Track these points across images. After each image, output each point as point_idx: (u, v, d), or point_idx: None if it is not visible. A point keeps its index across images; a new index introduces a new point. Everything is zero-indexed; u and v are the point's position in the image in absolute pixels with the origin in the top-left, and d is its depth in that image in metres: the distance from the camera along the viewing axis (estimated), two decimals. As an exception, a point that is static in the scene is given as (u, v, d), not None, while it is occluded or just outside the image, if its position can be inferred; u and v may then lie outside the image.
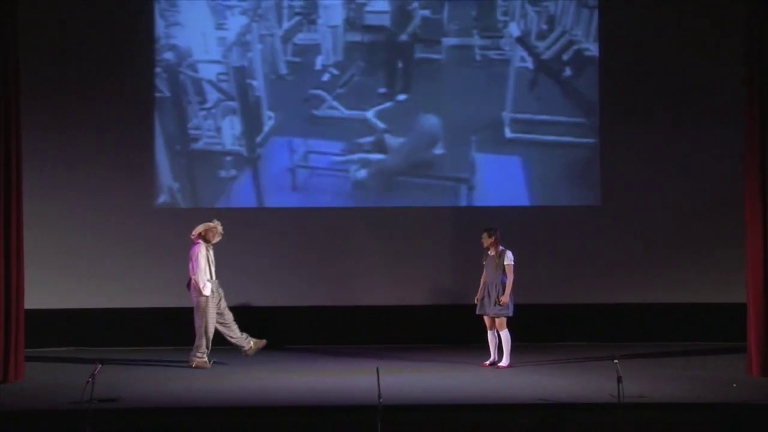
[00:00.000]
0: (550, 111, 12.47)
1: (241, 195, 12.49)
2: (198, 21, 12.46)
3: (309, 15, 12.50)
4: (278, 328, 12.43)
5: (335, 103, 12.47)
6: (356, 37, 12.50)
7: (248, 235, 12.36)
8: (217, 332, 10.89)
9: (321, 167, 12.46)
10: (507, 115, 12.48)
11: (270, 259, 12.40)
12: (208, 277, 10.74)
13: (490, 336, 10.71)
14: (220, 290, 10.90)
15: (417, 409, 8.68)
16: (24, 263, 10.23)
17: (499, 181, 12.47)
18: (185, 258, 12.13)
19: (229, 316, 10.98)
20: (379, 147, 12.48)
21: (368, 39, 12.52)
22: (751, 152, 9.98)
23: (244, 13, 12.47)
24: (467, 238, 12.07)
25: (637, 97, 12.44)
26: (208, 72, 12.49)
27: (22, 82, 10.30)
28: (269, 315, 12.41)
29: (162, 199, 12.48)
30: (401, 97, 12.49)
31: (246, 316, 12.39)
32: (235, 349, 11.06)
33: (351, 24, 12.50)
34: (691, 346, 12.00)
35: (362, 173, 12.47)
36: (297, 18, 12.49)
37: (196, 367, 10.67)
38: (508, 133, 12.49)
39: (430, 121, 12.47)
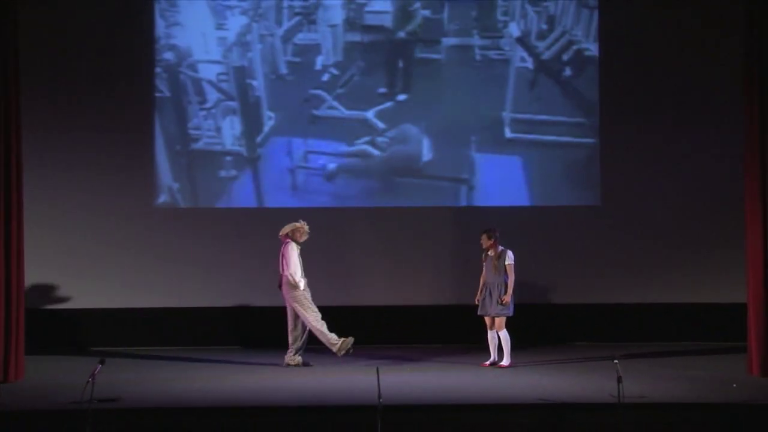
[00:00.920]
0: (550, 111, 12.47)
1: (241, 195, 12.49)
2: (198, 21, 12.47)
3: (309, 15, 12.50)
4: (278, 329, 12.43)
5: (335, 103, 12.47)
6: (356, 37, 12.51)
7: (248, 235, 12.37)
8: (285, 331, 10.87)
9: (321, 167, 12.46)
10: (507, 115, 12.48)
11: (270, 259, 12.38)
12: (300, 276, 10.77)
13: (490, 336, 10.71)
14: (309, 291, 10.88)
15: (417, 409, 8.68)
16: (24, 263, 10.23)
17: (499, 181, 12.47)
18: (185, 258, 12.21)
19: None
20: (379, 147, 12.48)
21: (368, 39, 12.52)
22: (751, 152, 9.97)
23: (244, 13, 12.48)
24: (467, 238, 12.07)
25: (637, 97, 12.44)
26: (209, 72, 12.50)
27: (22, 82, 10.30)
28: (269, 316, 12.40)
29: (162, 199, 12.48)
30: (401, 97, 12.49)
31: (246, 317, 12.42)
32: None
33: (351, 24, 12.51)
34: (691, 346, 12.00)
35: (362, 174, 12.47)
36: (297, 18, 12.50)
37: (344, 350, 10.65)
38: (508, 133, 12.49)
39: (430, 122, 12.48)
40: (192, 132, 12.49)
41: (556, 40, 12.51)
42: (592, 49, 12.49)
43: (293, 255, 10.74)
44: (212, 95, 12.50)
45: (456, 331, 12.19)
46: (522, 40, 12.50)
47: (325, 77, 12.49)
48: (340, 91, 12.48)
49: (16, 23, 10.12)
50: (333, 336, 10.72)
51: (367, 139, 12.46)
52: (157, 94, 12.45)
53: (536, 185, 12.48)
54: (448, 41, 12.49)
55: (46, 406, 8.76)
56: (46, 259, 11.96)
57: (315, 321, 10.72)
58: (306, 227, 10.91)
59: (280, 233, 10.87)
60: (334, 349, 10.70)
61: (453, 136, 12.44)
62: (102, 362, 8.32)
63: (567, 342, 12.27)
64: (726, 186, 12.00)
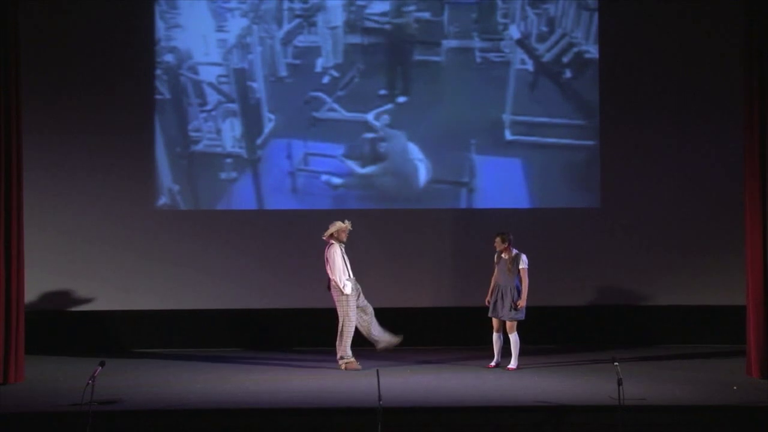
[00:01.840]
0: (550, 113, 12.47)
1: (241, 197, 12.49)
2: (198, 23, 12.47)
3: (309, 17, 12.50)
4: (279, 331, 12.44)
5: (335, 106, 12.47)
6: (356, 39, 12.51)
7: (248, 237, 12.37)
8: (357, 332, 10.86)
9: (321, 169, 12.46)
10: (507, 117, 12.48)
11: (270, 261, 12.40)
12: (347, 276, 10.75)
13: (496, 338, 10.71)
14: (358, 286, 10.87)
15: (417, 411, 8.68)
16: (24, 265, 10.24)
17: (500, 183, 12.47)
18: (185, 260, 12.19)
19: (369, 310, 10.93)
20: (379, 149, 12.48)
21: (368, 41, 12.52)
22: (751, 153, 9.97)
23: (244, 15, 12.48)
24: (468, 240, 12.10)
25: (637, 99, 12.44)
26: (209, 74, 12.49)
27: (23, 84, 10.31)
28: (270, 318, 12.41)
29: (162, 201, 12.48)
30: (401, 99, 12.49)
31: (247, 319, 12.42)
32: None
33: (351, 26, 12.50)
34: (691, 348, 12.00)
35: (362, 175, 12.47)
36: (297, 20, 12.50)
37: (347, 369, 10.64)
38: (508, 136, 12.49)
39: (430, 124, 12.47)
40: (192, 134, 12.49)
41: (556, 42, 12.52)
42: (592, 51, 12.49)
43: (337, 258, 10.69)
44: (212, 97, 12.50)
45: (456, 333, 12.20)
46: (522, 43, 12.51)
47: (326, 79, 12.49)
48: (340, 93, 12.48)
49: (17, 25, 10.13)
50: (349, 353, 10.70)
51: (367, 141, 12.45)
52: (158, 96, 12.45)
53: (536, 187, 12.48)
54: (449, 43, 12.49)
55: (45, 408, 8.76)
56: (46, 261, 11.95)
57: (347, 327, 10.69)
58: (350, 226, 10.85)
59: (324, 235, 10.82)
60: (341, 363, 10.71)
61: (453, 138, 12.43)
62: (102, 364, 8.32)
63: (567, 344, 12.26)
64: (726, 188, 12.00)
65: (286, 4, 12.48)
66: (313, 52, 12.49)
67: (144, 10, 12.41)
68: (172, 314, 12.28)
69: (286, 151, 12.45)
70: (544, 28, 12.52)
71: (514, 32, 12.50)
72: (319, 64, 12.48)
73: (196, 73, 12.49)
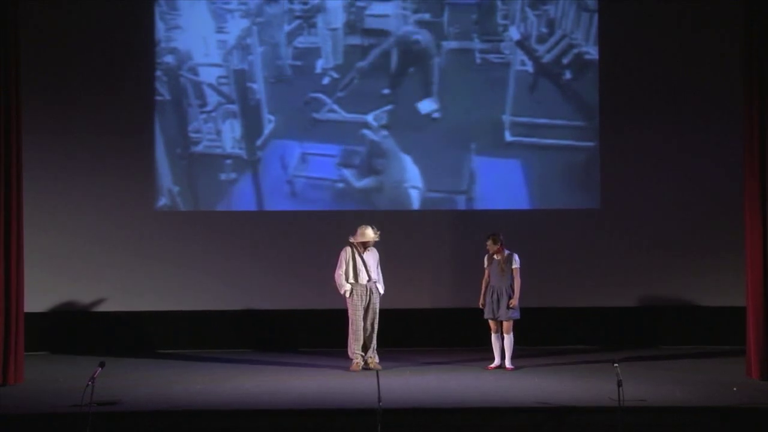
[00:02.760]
0: (550, 114, 12.47)
1: (241, 198, 12.49)
2: (198, 24, 12.47)
3: (309, 18, 12.51)
4: (279, 332, 12.44)
5: (335, 107, 12.47)
6: (356, 40, 12.51)
7: (248, 238, 12.37)
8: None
9: (321, 170, 12.46)
10: (507, 118, 12.48)
11: (271, 262, 12.40)
12: (351, 279, 10.70)
13: (495, 339, 10.71)
14: (372, 294, 10.73)
15: (417, 412, 8.68)
16: (24, 266, 10.24)
17: (499, 184, 12.46)
18: (185, 261, 12.20)
19: (368, 324, 10.76)
20: (379, 150, 12.48)
21: (368, 42, 12.52)
22: (751, 153, 9.97)
23: (244, 16, 12.48)
24: (467, 241, 12.09)
25: (637, 100, 12.44)
26: (209, 75, 12.50)
27: (23, 85, 10.31)
28: (270, 318, 12.41)
29: (162, 202, 12.48)
30: (401, 100, 12.48)
31: (247, 320, 12.42)
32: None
33: (351, 27, 12.51)
34: (691, 349, 11.99)
35: (362, 176, 12.47)
36: (297, 21, 12.50)
37: (350, 370, 10.61)
38: (508, 137, 12.49)
39: (430, 125, 12.47)
40: (192, 135, 12.49)
41: (556, 43, 12.52)
42: (592, 52, 12.49)
43: (341, 257, 10.73)
44: (212, 98, 12.50)
45: (456, 334, 12.20)
46: (522, 44, 12.51)
47: (326, 80, 12.49)
48: (340, 94, 12.48)
49: (17, 25, 10.13)
50: (356, 354, 10.65)
51: (366, 141, 12.45)
52: (158, 98, 12.45)
53: (536, 188, 12.48)
54: (448, 44, 12.49)
55: (45, 409, 8.76)
56: (46, 263, 11.96)
57: (351, 328, 10.64)
58: (368, 230, 10.71)
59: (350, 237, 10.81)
60: (351, 366, 10.68)
61: (453, 139, 12.43)
62: (102, 365, 8.31)
63: (567, 345, 12.26)
64: (726, 189, 12.00)
65: (286, 6, 12.49)
66: (313, 53, 12.49)
67: (144, 11, 12.41)
68: (172, 315, 12.27)
69: (286, 152, 12.45)
70: (544, 30, 12.52)
71: (514, 33, 12.50)
72: (319, 65, 12.49)
73: (196, 74, 12.49)
